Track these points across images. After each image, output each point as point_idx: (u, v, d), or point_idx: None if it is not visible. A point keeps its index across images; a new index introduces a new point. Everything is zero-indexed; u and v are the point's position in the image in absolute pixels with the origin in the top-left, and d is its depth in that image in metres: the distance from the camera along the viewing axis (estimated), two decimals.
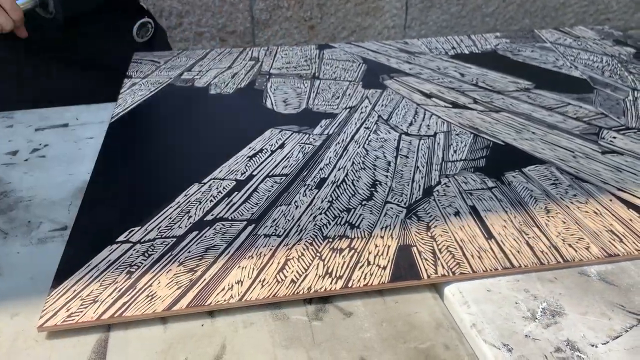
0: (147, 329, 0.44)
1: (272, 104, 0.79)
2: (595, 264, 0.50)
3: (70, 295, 0.45)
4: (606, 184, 0.60)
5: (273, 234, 0.53)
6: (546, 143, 0.69)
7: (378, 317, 0.45)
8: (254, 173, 0.62)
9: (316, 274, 0.48)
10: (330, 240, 0.52)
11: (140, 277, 0.47)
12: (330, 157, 0.65)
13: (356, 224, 0.54)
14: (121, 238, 0.52)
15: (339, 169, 0.63)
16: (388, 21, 1.98)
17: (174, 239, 0.52)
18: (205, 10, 1.81)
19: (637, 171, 0.63)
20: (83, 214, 0.56)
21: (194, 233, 0.53)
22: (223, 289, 0.46)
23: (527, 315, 0.44)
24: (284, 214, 0.55)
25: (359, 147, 0.68)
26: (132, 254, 0.50)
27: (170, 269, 0.48)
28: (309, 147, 0.68)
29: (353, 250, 0.50)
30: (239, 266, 0.48)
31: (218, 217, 0.55)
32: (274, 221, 0.54)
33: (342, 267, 0.48)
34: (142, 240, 0.52)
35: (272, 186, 0.60)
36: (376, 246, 0.51)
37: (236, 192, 0.59)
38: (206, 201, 0.57)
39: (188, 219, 0.55)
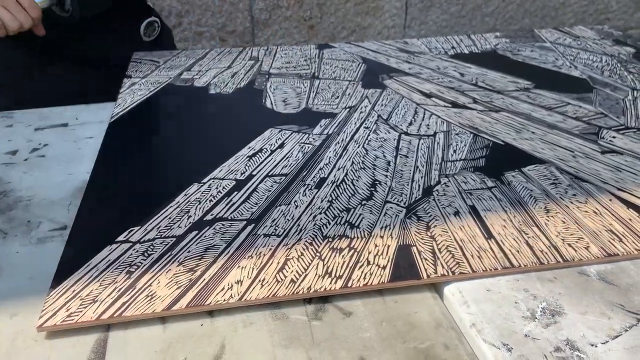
0: (146, 329, 0.44)
1: (271, 103, 0.79)
2: (594, 263, 0.50)
3: (70, 295, 0.45)
4: (606, 183, 0.60)
5: (273, 233, 0.53)
6: (546, 143, 0.69)
7: (378, 317, 0.45)
8: (254, 173, 0.62)
9: (316, 274, 0.48)
10: (330, 240, 0.52)
11: (139, 277, 0.47)
12: (330, 157, 0.65)
13: (356, 224, 0.54)
14: (121, 238, 0.52)
15: (338, 169, 0.63)
16: (388, 21, 1.98)
17: (174, 239, 0.52)
18: (205, 10, 1.81)
19: (636, 171, 0.63)
20: (82, 213, 0.56)
21: (194, 233, 0.53)
22: (223, 288, 0.46)
23: (526, 314, 0.44)
24: (283, 214, 0.55)
25: (358, 147, 0.68)
26: (131, 254, 0.50)
27: (170, 269, 0.48)
28: (308, 147, 0.68)
29: (353, 250, 0.50)
30: (239, 266, 0.48)
31: (218, 216, 0.55)
32: (273, 221, 0.54)
33: (341, 267, 0.48)
34: (141, 240, 0.52)
35: (271, 186, 0.60)
36: (376, 246, 0.51)
37: (236, 192, 0.59)
38: (206, 201, 0.57)
39: (188, 219, 0.55)
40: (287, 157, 0.65)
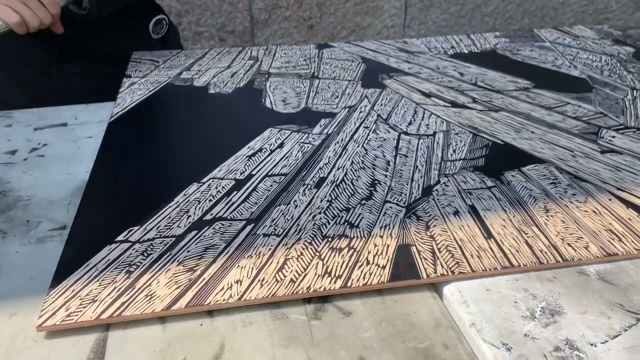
0: (146, 329, 0.44)
1: (271, 103, 0.79)
2: (594, 263, 0.50)
3: (69, 295, 0.45)
4: (605, 183, 0.60)
5: (272, 233, 0.53)
6: (545, 142, 0.69)
7: (377, 317, 0.45)
8: (253, 172, 0.62)
9: (315, 274, 0.48)
10: (330, 239, 0.52)
11: (139, 277, 0.47)
12: (329, 157, 0.65)
13: (355, 224, 0.54)
14: (120, 237, 0.52)
15: (338, 169, 0.63)
16: (387, 21, 1.98)
17: (173, 239, 0.52)
18: (205, 9, 1.80)
19: (636, 170, 0.63)
20: (82, 213, 0.56)
21: (193, 232, 0.53)
22: (222, 288, 0.46)
23: (526, 314, 0.44)
24: (283, 214, 0.55)
25: (358, 147, 0.68)
26: (131, 254, 0.50)
27: (170, 269, 0.48)
28: (308, 147, 0.68)
29: (352, 250, 0.50)
30: (238, 266, 0.48)
31: (217, 216, 0.55)
32: (273, 220, 0.54)
33: (341, 267, 0.48)
34: (141, 240, 0.52)
35: (271, 185, 0.60)
36: (375, 245, 0.51)
37: (235, 192, 0.59)
38: (205, 201, 0.57)
39: (187, 219, 0.55)
40: (287, 157, 0.65)
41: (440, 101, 0.80)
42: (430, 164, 0.64)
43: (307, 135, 0.70)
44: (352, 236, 0.52)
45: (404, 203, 0.57)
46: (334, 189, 0.59)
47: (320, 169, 0.63)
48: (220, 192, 0.59)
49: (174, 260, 0.49)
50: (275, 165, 0.64)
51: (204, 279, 0.47)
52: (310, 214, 0.55)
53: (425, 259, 0.49)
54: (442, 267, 0.48)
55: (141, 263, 0.49)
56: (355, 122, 0.74)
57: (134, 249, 0.51)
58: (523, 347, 0.41)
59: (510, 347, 0.41)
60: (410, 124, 0.73)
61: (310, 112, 0.76)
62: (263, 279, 0.47)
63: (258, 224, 0.54)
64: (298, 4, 1.87)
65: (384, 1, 1.94)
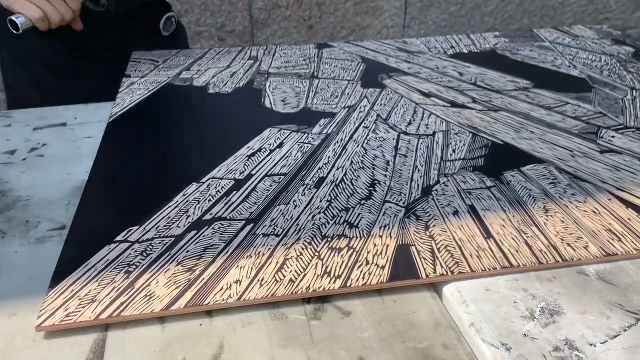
0: (145, 329, 0.44)
1: (270, 103, 0.79)
2: (593, 263, 0.50)
3: (68, 295, 0.45)
4: (605, 183, 0.60)
5: (272, 233, 0.53)
6: (545, 142, 0.69)
7: (376, 317, 0.45)
8: (253, 172, 0.62)
9: (315, 274, 0.48)
10: (329, 239, 0.52)
11: (138, 277, 0.47)
12: (329, 157, 0.65)
13: (355, 223, 0.54)
14: (119, 237, 0.52)
15: (337, 168, 0.63)
16: (387, 20, 1.98)
17: (172, 239, 0.52)
18: (204, 9, 1.80)
19: (635, 170, 0.63)
20: (81, 213, 0.56)
21: (193, 232, 0.53)
22: (221, 288, 0.46)
23: (525, 314, 0.44)
24: (282, 213, 0.55)
25: (357, 147, 0.68)
26: (130, 254, 0.50)
27: (169, 269, 0.48)
28: (307, 147, 0.68)
29: (352, 250, 0.50)
30: (238, 265, 0.48)
31: (216, 216, 0.55)
32: (272, 220, 0.54)
33: (340, 267, 0.48)
34: (140, 240, 0.52)
35: (270, 185, 0.60)
36: (375, 245, 0.51)
37: (235, 192, 0.59)
38: (205, 200, 0.57)
39: (186, 219, 0.55)
40: (286, 157, 0.65)
41: (440, 101, 0.80)
42: (430, 163, 0.64)
43: (306, 135, 0.70)
44: (351, 236, 0.52)
45: (404, 203, 0.57)
46: (333, 188, 0.59)
47: (319, 168, 0.63)
48: (220, 192, 0.59)
49: (173, 260, 0.49)
50: (274, 165, 0.64)
51: (203, 278, 0.47)
52: (310, 213, 0.55)
53: (425, 258, 0.49)
54: (442, 267, 0.48)
55: (140, 263, 0.49)
56: (354, 122, 0.73)
57: (133, 249, 0.50)
58: (522, 347, 0.41)
59: (510, 347, 0.41)
60: (409, 123, 0.73)
61: (310, 112, 0.76)
62: (262, 279, 0.47)
63: (257, 224, 0.54)
64: (298, 4, 1.87)
65: (384, 1, 1.94)
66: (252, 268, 0.48)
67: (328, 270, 0.48)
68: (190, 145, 0.69)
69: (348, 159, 0.65)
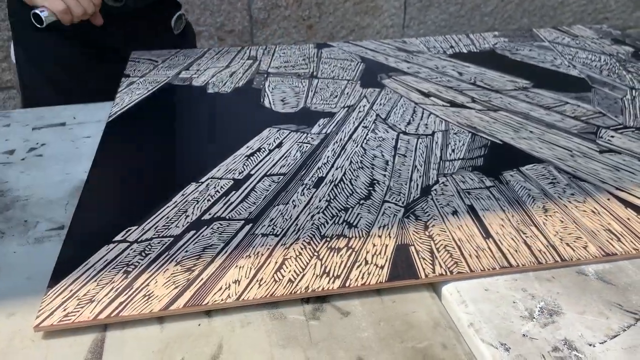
0: (143, 329, 0.44)
1: (270, 103, 0.79)
2: (593, 263, 0.50)
3: (67, 295, 0.45)
4: (604, 183, 0.60)
5: (271, 233, 0.52)
6: (544, 142, 0.69)
7: (375, 317, 0.45)
8: (252, 172, 0.62)
9: (314, 274, 0.48)
10: (328, 239, 0.52)
11: (137, 277, 0.47)
12: (328, 156, 0.65)
13: (354, 223, 0.54)
14: (118, 237, 0.52)
15: (337, 168, 0.63)
16: (386, 20, 1.98)
17: (171, 239, 0.52)
18: (204, 9, 1.80)
19: (634, 170, 0.63)
20: (80, 213, 0.56)
21: (192, 232, 0.53)
22: (220, 288, 0.46)
23: (524, 314, 0.44)
24: (281, 213, 0.55)
25: (357, 146, 0.67)
26: (129, 254, 0.50)
27: (168, 269, 0.48)
28: (307, 146, 0.67)
29: (351, 250, 0.50)
30: (237, 266, 0.48)
31: (215, 216, 0.55)
32: (271, 220, 0.54)
33: (339, 267, 0.48)
34: (139, 240, 0.52)
35: (269, 185, 0.60)
36: (374, 245, 0.51)
37: (234, 192, 0.59)
38: (204, 200, 0.57)
39: (185, 219, 0.55)
40: (286, 157, 0.65)
41: (439, 101, 0.80)
42: (429, 163, 0.64)
43: (305, 135, 0.70)
44: (350, 236, 0.52)
45: (403, 203, 0.57)
46: (332, 188, 0.59)
47: (319, 168, 0.63)
48: (219, 192, 0.59)
49: (172, 260, 0.49)
50: (273, 165, 0.63)
51: (202, 279, 0.47)
52: (309, 213, 0.55)
53: (424, 258, 0.49)
54: (441, 267, 0.48)
55: (139, 263, 0.49)
56: (354, 122, 0.73)
57: (132, 249, 0.50)
58: (521, 347, 0.41)
59: (509, 347, 0.41)
60: (409, 123, 0.73)
61: (309, 112, 0.76)
62: (261, 279, 0.47)
63: (256, 224, 0.54)
64: (297, 4, 1.87)
65: (383, 1, 1.94)
66: (251, 268, 0.48)
67: (327, 270, 0.48)
68: (190, 145, 0.69)
69: (347, 158, 0.65)
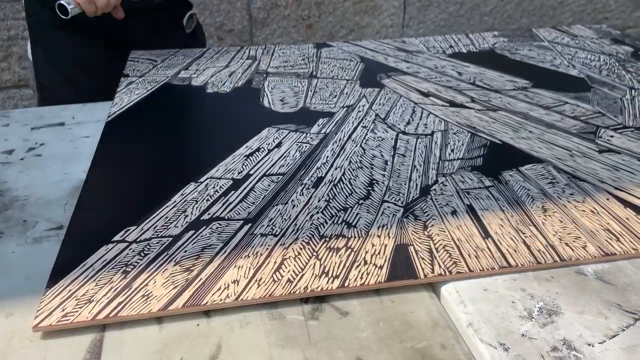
0: (142, 329, 0.44)
1: (269, 102, 0.79)
2: (592, 263, 0.50)
3: (66, 295, 0.45)
4: (603, 182, 0.60)
5: (270, 233, 0.52)
6: (543, 142, 0.69)
7: (374, 317, 0.45)
8: (251, 172, 0.62)
9: (313, 274, 0.47)
10: (327, 239, 0.52)
11: (136, 277, 0.47)
12: (327, 156, 0.65)
13: (353, 223, 0.54)
14: (117, 237, 0.52)
15: (336, 168, 0.63)
16: (386, 20, 1.98)
17: (170, 239, 0.52)
18: (203, 8, 1.80)
19: (634, 170, 0.63)
20: (79, 213, 0.56)
21: (190, 232, 0.53)
22: (219, 288, 0.46)
23: (523, 314, 0.44)
24: (280, 213, 0.55)
25: (356, 146, 0.67)
26: (127, 254, 0.50)
27: (166, 269, 0.48)
28: (306, 146, 0.67)
29: (350, 250, 0.50)
30: (235, 266, 0.48)
31: (214, 216, 0.55)
32: (270, 220, 0.54)
33: (338, 267, 0.48)
34: (138, 240, 0.52)
35: (269, 185, 0.60)
36: (373, 245, 0.51)
37: (233, 191, 0.59)
38: (203, 200, 0.57)
39: (184, 218, 0.54)
40: (285, 157, 0.65)
41: (439, 100, 0.79)
42: (428, 163, 0.64)
43: (305, 134, 0.70)
44: (349, 236, 0.52)
45: (402, 203, 0.57)
46: (331, 188, 0.59)
47: (318, 168, 0.63)
48: (218, 192, 0.59)
49: (171, 260, 0.49)
50: (273, 165, 0.63)
51: (201, 279, 0.47)
52: (308, 213, 0.55)
53: (423, 258, 0.49)
54: (440, 267, 0.48)
55: (138, 263, 0.49)
56: (353, 122, 0.73)
57: (130, 249, 0.50)
58: (520, 347, 0.41)
59: (508, 347, 0.41)
60: (408, 123, 0.73)
61: (309, 112, 0.76)
62: (260, 279, 0.47)
63: (255, 224, 0.54)
64: (297, 3, 1.87)
65: (383, 0, 1.94)
66: (250, 268, 0.48)
67: (326, 270, 0.48)
68: (189, 145, 0.69)
69: (347, 158, 0.65)
